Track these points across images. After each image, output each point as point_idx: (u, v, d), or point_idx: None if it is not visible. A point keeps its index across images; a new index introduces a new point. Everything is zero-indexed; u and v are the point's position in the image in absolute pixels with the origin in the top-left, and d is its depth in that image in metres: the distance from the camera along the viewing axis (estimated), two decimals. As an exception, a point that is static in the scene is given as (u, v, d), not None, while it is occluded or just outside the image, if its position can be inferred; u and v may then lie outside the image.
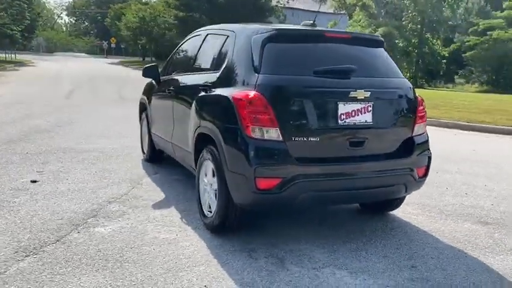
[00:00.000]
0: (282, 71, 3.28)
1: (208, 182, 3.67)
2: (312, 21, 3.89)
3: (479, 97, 17.60)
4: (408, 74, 29.82)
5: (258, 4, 24.85)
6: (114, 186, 4.75)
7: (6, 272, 2.86)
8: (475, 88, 32.16)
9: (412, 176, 3.53)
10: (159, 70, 5.34)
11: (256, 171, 3.07)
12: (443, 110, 11.99)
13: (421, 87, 29.19)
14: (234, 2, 24.19)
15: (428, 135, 3.78)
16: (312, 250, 3.38)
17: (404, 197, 4.02)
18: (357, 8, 35.14)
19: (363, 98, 3.27)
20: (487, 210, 4.49)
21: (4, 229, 3.51)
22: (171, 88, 4.66)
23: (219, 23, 4.67)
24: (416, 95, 3.69)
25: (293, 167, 3.11)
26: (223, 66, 3.67)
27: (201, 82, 3.91)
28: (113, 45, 54.64)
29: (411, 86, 3.68)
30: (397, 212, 4.26)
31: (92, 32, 77.40)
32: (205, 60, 4.17)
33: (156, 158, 5.77)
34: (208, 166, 3.64)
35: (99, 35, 67.90)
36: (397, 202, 4.06)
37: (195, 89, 3.98)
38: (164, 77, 5.17)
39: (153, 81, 5.62)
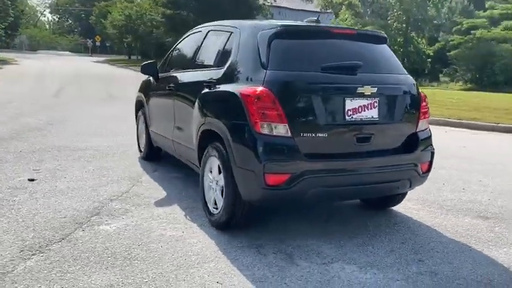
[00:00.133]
0: (289, 67, 3.29)
1: (213, 179, 3.66)
2: (316, 18, 3.90)
3: (466, 95, 17.86)
4: (394, 73, 29.98)
5: (245, 2, 24.83)
6: (114, 184, 4.71)
7: (13, 271, 2.82)
8: (459, 86, 32.58)
9: (416, 172, 3.57)
10: (157, 67, 5.29)
11: (266, 167, 3.08)
12: (434, 108, 12.08)
13: (407, 85, 29.39)
14: (222, 0, 24.13)
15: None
16: (319, 245, 3.40)
17: (406, 192, 4.06)
18: (343, 6, 35.35)
19: (369, 93, 3.30)
20: (485, 205, 4.56)
21: (7, 228, 3.46)
22: (172, 85, 4.63)
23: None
24: (420, 91, 3.73)
25: (302, 163, 3.12)
26: (228, 62, 3.66)
27: (204, 79, 3.89)
28: (97, 44, 54.02)
29: (414, 82, 3.72)
30: (398, 208, 4.30)
31: (75, 30, 76.42)
32: (208, 57, 4.15)
33: (154, 155, 5.74)
34: (214, 163, 3.63)
35: (83, 33, 67.02)
36: (399, 198, 4.10)
37: (198, 85, 3.96)
38: (163, 74, 5.13)
39: (150, 78, 5.58)
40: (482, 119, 10.57)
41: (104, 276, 2.80)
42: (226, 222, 3.50)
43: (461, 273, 3.05)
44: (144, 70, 5.23)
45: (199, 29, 4.69)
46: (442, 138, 8.89)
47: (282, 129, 3.12)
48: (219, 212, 3.53)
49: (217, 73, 3.76)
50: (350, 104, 3.27)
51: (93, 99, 13.00)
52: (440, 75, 37.28)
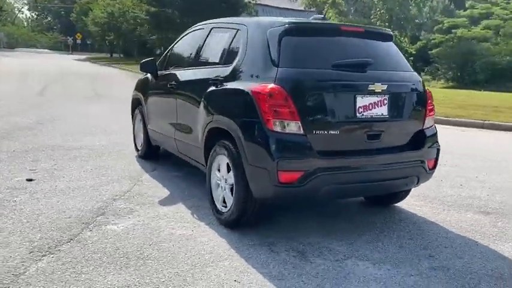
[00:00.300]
0: (300, 64, 3.29)
1: (222, 177, 3.64)
2: (322, 16, 3.91)
3: (450, 93, 18.12)
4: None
5: (231, 0, 24.76)
6: (114, 184, 4.64)
7: (26, 272, 2.76)
8: (441, 84, 33.09)
9: (424, 168, 3.61)
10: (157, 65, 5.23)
11: (279, 165, 3.07)
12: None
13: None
14: (206, -2, 24.06)
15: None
16: (330, 243, 3.41)
17: (411, 189, 4.10)
18: (327, 5, 35.55)
19: (380, 91, 3.32)
20: (485, 200, 4.64)
21: (12, 229, 3.38)
22: (173, 83, 4.58)
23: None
24: (425, 88, 3.77)
25: (315, 160, 3.12)
26: (236, 60, 3.63)
27: (210, 76, 3.86)
28: (78, 41, 53.21)
29: (420, 79, 3.76)
30: (401, 204, 4.34)
31: (55, 27, 75.06)
32: (212, 54, 4.12)
33: (153, 154, 5.67)
34: (222, 161, 3.61)
35: (63, 31, 65.87)
36: (403, 194, 4.14)
37: (203, 83, 3.93)
38: (162, 72, 5.08)
39: (147, 76, 5.52)
40: (469, 116, 10.75)
41: (119, 276, 2.76)
42: (236, 220, 3.48)
43: (472, 268, 3.10)
44: (143, 68, 5.17)
45: (201, 26, 4.65)
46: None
47: (294, 127, 3.12)
48: (229, 210, 3.51)
49: (224, 71, 3.73)
50: (361, 101, 3.29)
51: (80, 97, 12.81)
52: (422, 73, 37.80)
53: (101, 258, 2.98)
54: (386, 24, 34.12)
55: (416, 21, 35.70)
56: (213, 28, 4.35)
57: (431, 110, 3.75)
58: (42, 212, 3.74)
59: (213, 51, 4.12)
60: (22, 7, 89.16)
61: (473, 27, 34.26)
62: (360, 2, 35.25)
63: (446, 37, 33.93)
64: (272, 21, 3.55)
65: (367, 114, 3.32)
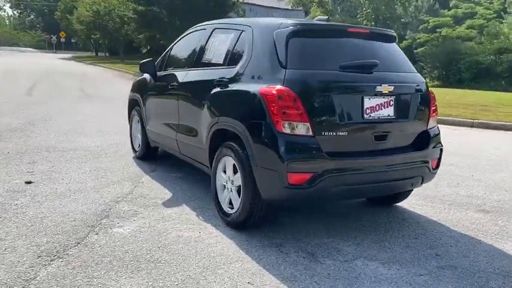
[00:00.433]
0: (308, 65, 3.30)
1: (228, 179, 3.63)
2: (326, 17, 3.93)
3: (438, 92, 18.29)
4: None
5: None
6: (115, 186, 4.60)
7: (36, 277, 2.72)
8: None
9: (428, 168, 3.66)
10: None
11: (289, 167, 3.08)
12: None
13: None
14: (194, -3, 23.91)
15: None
16: (338, 243, 3.43)
17: (413, 189, 4.14)
18: (314, 4, 35.64)
19: (387, 92, 3.35)
20: (482, 199, 4.72)
21: (17, 233, 3.33)
22: (174, 84, 4.56)
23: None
24: (429, 89, 3.81)
25: (324, 162, 3.13)
26: (242, 61, 3.63)
27: (214, 77, 3.85)
28: (62, 40, 52.51)
29: (424, 80, 3.80)
30: (403, 204, 4.39)
31: (38, 25, 73.93)
32: (215, 55, 4.10)
33: (151, 155, 5.64)
34: (229, 162, 3.60)
35: (47, 29, 64.91)
36: (405, 194, 4.19)
37: (207, 84, 3.91)
38: (162, 73, 5.04)
39: (145, 77, 5.47)
40: (459, 115, 10.89)
41: (132, 280, 2.74)
42: (244, 221, 3.48)
43: (479, 267, 3.14)
44: (142, 69, 5.13)
45: (202, 27, 4.63)
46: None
47: (304, 128, 3.13)
48: (236, 211, 3.51)
49: (229, 72, 3.72)
50: (368, 102, 3.31)
51: (69, 97, 12.65)
52: (408, 72, 38.15)
53: (111, 262, 2.95)
54: (373, 23, 34.32)
55: (402, 20, 36.01)
56: (215, 29, 4.33)
57: (435, 110, 3.80)
58: (46, 216, 3.69)
59: (216, 52, 4.10)
60: (4, 5, 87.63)
61: (457, 26, 34.74)
62: (347, 2, 35.39)
63: (431, 36, 34.35)
64: (278, 23, 3.55)
65: (374, 115, 3.34)
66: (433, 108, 3.77)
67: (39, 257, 2.97)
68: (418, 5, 38.24)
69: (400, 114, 3.49)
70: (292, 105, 3.12)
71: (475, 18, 35.66)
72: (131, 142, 6.02)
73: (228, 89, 3.64)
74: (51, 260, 2.94)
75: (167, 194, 4.43)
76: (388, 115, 3.41)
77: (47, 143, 6.45)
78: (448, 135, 9.07)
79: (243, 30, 3.82)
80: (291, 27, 3.40)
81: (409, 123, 3.59)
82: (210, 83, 3.87)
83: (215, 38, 4.25)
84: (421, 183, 3.75)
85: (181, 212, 3.96)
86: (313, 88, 3.21)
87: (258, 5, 36.81)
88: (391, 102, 3.42)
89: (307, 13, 38.26)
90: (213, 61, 4.13)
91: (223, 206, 3.72)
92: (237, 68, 3.64)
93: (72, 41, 54.99)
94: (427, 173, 3.68)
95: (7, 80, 17.14)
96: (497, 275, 3.02)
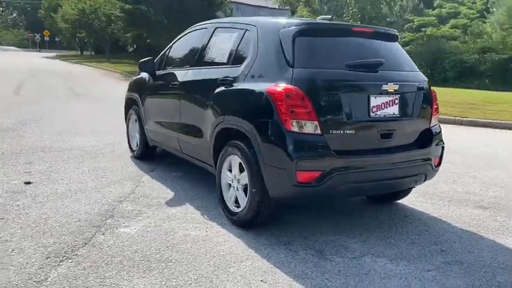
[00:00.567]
0: (315, 64, 3.32)
1: (234, 177, 3.64)
2: (330, 17, 3.96)
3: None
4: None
5: (206, -2, 24.64)
6: (116, 185, 4.57)
7: (47, 279, 2.70)
8: (412, 82, 33.82)
9: (431, 166, 3.71)
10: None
11: (298, 165, 3.10)
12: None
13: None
14: (182, -5, 23.77)
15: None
16: (344, 240, 3.46)
17: (413, 187, 4.19)
18: (301, 3, 35.77)
19: (392, 91, 3.39)
20: (479, 195, 4.80)
21: (22, 234, 3.29)
22: (176, 83, 4.54)
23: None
24: (431, 87, 3.86)
25: (332, 160, 3.16)
26: (247, 60, 3.63)
27: (218, 76, 3.85)
28: (46, 39, 51.76)
29: (426, 79, 3.86)
30: (403, 201, 4.44)
31: (21, 23, 72.77)
32: (219, 54, 4.09)
33: (149, 154, 5.61)
34: (235, 161, 3.61)
35: (30, 27, 63.92)
36: (406, 192, 4.24)
37: (210, 83, 3.91)
38: (162, 72, 5.02)
39: (142, 76, 5.44)
40: (448, 113, 11.03)
41: (144, 280, 2.73)
42: (251, 220, 3.49)
43: (484, 262, 3.21)
44: (142, 67, 5.10)
45: (204, 26, 4.62)
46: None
47: (312, 127, 3.15)
48: (243, 210, 3.52)
49: (233, 71, 3.73)
50: (374, 101, 3.35)
51: (58, 96, 12.49)
52: (394, 71, 38.52)
53: (121, 262, 2.94)
54: (358, 22, 34.59)
55: (388, 19, 36.31)
56: (217, 28, 4.32)
57: (437, 109, 3.86)
58: (50, 216, 3.65)
59: (220, 51, 4.09)
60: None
61: (441, 26, 35.15)
62: (333, 1, 35.61)
63: (416, 35, 34.72)
64: (283, 22, 3.57)
65: (380, 113, 3.38)
66: (435, 106, 3.83)
67: (47, 258, 2.95)
68: (403, 4, 38.63)
69: (404, 112, 3.54)
70: (300, 104, 3.14)
71: (458, 18, 36.15)
72: (128, 142, 5.98)
73: (233, 88, 3.65)
74: (61, 261, 2.91)
75: (169, 193, 4.41)
76: (393, 113, 3.46)
77: (42, 143, 6.37)
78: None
79: (247, 30, 3.83)
80: (297, 27, 3.43)
81: (413, 121, 3.64)
82: (213, 82, 3.87)
83: (217, 37, 4.25)
84: (424, 181, 3.80)
85: (186, 211, 3.95)
86: (320, 87, 3.24)
87: (245, 4, 36.77)
88: (396, 101, 3.46)
89: (293, 12, 38.36)
90: (216, 60, 4.13)
91: (228, 205, 3.73)
92: (242, 67, 3.65)
93: (57, 39, 54.33)
94: (430, 171, 3.73)
95: (-8, 79, 16.86)
96: (503, 270, 3.09)
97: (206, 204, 4.11)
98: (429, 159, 3.68)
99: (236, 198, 3.66)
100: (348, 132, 3.26)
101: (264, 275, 2.86)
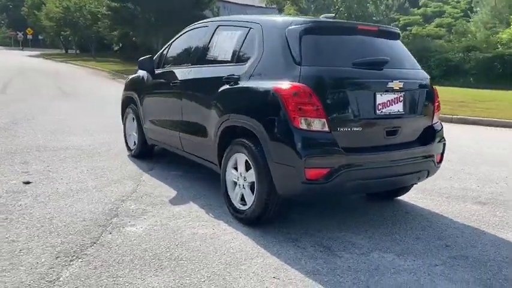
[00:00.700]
0: (322, 62, 3.34)
1: (240, 175, 3.65)
2: (333, 15, 3.98)
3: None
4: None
5: (193, -3, 24.53)
6: (117, 185, 4.54)
7: (59, 278, 2.67)
8: (398, 81, 34.22)
9: (433, 162, 3.77)
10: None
11: (307, 162, 3.12)
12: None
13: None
14: (170, -6, 23.62)
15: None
16: (350, 237, 3.50)
17: (417, 183, 4.24)
18: (288, 2, 35.85)
19: (397, 88, 3.43)
20: (477, 191, 4.89)
21: (28, 234, 3.25)
22: (177, 81, 4.52)
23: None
24: (432, 85, 3.92)
25: (340, 157, 3.19)
26: (253, 58, 3.64)
27: (222, 75, 3.84)
28: (29, 37, 50.98)
29: (428, 76, 3.91)
30: (403, 197, 4.50)
31: (2, 21, 71.49)
32: (222, 52, 4.09)
33: (147, 153, 5.58)
34: (241, 159, 3.62)
35: (12, 25, 62.84)
36: (407, 188, 4.30)
37: (214, 81, 3.91)
38: (161, 70, 5.00)
39: (139, 75, 5.41)
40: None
41: (157, 278, 2.73)
42: (258, 217, 3.50)
43: (488, 256, 3.27)
44: (141, 66, 5.07)
45: (204, 24, 4.61)
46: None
47: (320, 124, 3.17)
48: (250, 207, 3.53)
49: (238, 69, 3.73)
50: (380, 98, 3.39)
51: (46, 95, 12.33)
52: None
53: (132, 261, 2.93)
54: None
55: (374, 18, 36.62)
56: (219, 26, 4.32)
57: (438, 106, 3.92)
58: (54, 216, 3.61)
59: (223, 49, 4.09)
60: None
61: (427, 25, 35.58)
62: (320, 0, 35.77)
63: (402, 34, 34.93)
64: (289, 20, 3.58)
65: (386, 111, 3.42)
66: (437, 104, 3.89)
67: (57, 257, 2.92)
68: (389, 3, 39.00)
69: (409, 109, 3.59)
70: (308, 102, 3.16)
71: (443, 17, 36.66)
72: (125, 141, 5.94)
73: (239, 86, 3.65)
74: (71, 261, 2.89)
75: (171, 192, 4.40)
76: (398, 111, 3.50)
77: (36, 142, 6.29)
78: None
79: (251, 28, 3.83)
80: (303, 25, 3.44)
81: (417, 118, 3.69)
82: (217, 80, 3.87)
83: (220, 35, 4.24)
84: (427, 177, 3.86)
85: (190, 209, 3.95)
86: (328, 84, 3.26)
87: (232, 3, 36.72)
88: (401, 98, 3.50)
89: (280, 11, 38.41)
90: (219, 58, 4.12)
91: (234, 203, 3.73)
92: (248, 65, 3.65)
93: (40, 37, 53.51)
94: (433, 167, 3.79)
95: (-23, 78, 16.55)
96: (507, 264, 3.15)
97: (210, 203, 4.11)
98: (432, 156, 3.74)
99: (242, 196, 3.67)
100: (355, 129, 3.29)
101: (276, 272, 2.88)
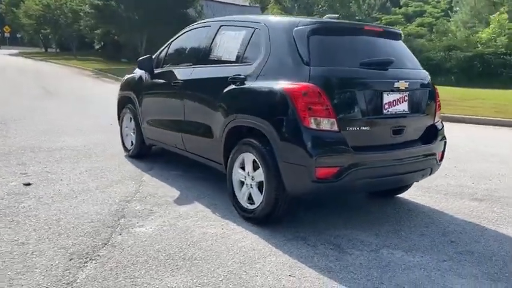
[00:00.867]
0: (330, 62, 3.39)
1: (248, 175, 3.67)
2: (337, 15, 4.03)
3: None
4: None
5: (177, -5, 24.37)
6: (119, 185, 4.51)
7: (76, 280, 2.66)
8: (380, 79, 34.57)
9: (436, 160, 3.86)
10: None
11: (317, 161, 3.16)
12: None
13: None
14: (153, -8, 23.43)
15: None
16: (358, 234, 3.56)
17: (418, 181, 4.32)
18: (271, 1, 35.90)
19: (403, 88, 3.50)
20: (472, 188, 5.01)
21: (37, 236, 3.22)
22: (178, 81, 4.52)
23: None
24: (433, 85, 4.01)
25: (350, 156, 3.24)
26: (259, 58, 3.65)
27: (227, 75, 3.85)
28: (6, 35, 49.91)
29: (429, 76, 4.00)
30: (403, 195, 4.59)
31: (-22, 19, 69.79)
32: (226, 53, 4.09)
33: (145, 153, 5.55)
34: (248, 159, 3.64)
35: (-12, 23, 61.44)
36: (408, 186, 4.38)
37: (219, 81, 3.92)
38: (161, 70, 4.98)
39: (139, 75, 5.37)
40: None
41: (175, 278, 2.74)
42: (267, 216, 3.53)
43: (493, 251, 3.36)
44: (140, 66, 5.04)
45: (206, 24, 4.61)
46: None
47: (330, 124, 3.22)
48: (258, 206, 3.55)
49: (244, 69, 3.74)
50: (387, 98, 3.45)
51: (30, 95, 12.14)
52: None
53: (147, 262, 2.93)
54: (328, 20, 35.03)
55: (356, 18, 36.95)
56: (222, 26, 4.32)
57: (440, 105, 4.01)
58: (60, 218, 3.58)
59: (227, 49, 4.10)
60: None
61: (408, 24, 35.98)
62: (303, -1, 35.92)
63: (385, 34, 35.34)
64: (295, 21, 3.61)
65: (392, 110, 3.49)
66: (439, 103, 3.98)
67: (71, 259, 2.90)
68: (371, 2, 39.33)
69: (413, 109, 3.67)
70: (318, 101, 3.20)
71: (424, 16, 37.12)
72: (122, 141, 5.90)
73: (246, 86, 3.66)
74: (85, 262, 2.87)
75: (175, 192, 4.39)
76: (403, 110, 3.57)
77: (29, 143, 6.20)
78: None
79: (256, 28, 3.85)
80: (310, 25, 3.48)
81: (420, 117, 3.77)
82: (222, 80, 3.88)
83: (223, 35, 4.25)
84: (429, 175, 3.95)
85: (196, 209, 3.95)
86: (336, 84, 3.32)
87: (214, 1, 36.60)
88: (406, 98, 3.58)
89: (263, 9, 38.46)
90: (223, 58, 4.13)
91: (241, 202, 3.75)
92: (254, 65, 3.67)
93: (18, 35, 52.46)
94: (435, 165, 3.88)
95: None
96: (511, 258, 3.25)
97: (215, 202, 4.12)
98: (434, 154, 3.83)
99: (249, 195, 3.69)
100: (363, 128, 3.35)
101: (291, 270, 2.91)
